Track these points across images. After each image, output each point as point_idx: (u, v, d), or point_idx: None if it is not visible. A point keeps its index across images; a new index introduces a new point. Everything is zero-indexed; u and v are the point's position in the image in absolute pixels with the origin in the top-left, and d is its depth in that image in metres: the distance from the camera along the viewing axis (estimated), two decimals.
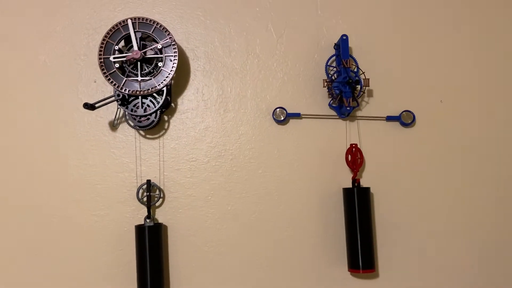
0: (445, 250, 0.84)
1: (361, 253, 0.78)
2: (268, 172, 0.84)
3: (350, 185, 0.82)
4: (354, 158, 0.82)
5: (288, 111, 0.84)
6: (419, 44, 0.87)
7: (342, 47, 0.81)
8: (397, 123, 0.85)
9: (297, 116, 0.84)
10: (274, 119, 0.84)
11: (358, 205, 0.79)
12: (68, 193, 0.82)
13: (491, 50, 0.88)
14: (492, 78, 0.88)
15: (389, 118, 0.85)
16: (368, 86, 0.82)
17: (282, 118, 0.83)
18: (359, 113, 0.85)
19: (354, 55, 0.85)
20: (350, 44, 0.84)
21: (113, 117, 0.83)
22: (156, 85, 0.78)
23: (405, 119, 0.84)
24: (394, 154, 0.85)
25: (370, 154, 0.85)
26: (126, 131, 0.83)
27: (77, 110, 0.83)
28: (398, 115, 0.84)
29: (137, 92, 0.78)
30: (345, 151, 0.83)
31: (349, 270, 0.79)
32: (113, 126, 0.84)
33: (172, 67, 0.78)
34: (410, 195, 0.85)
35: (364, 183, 0.84)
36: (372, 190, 0.84)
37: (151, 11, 0.86)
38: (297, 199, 0.84)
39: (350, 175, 0.83)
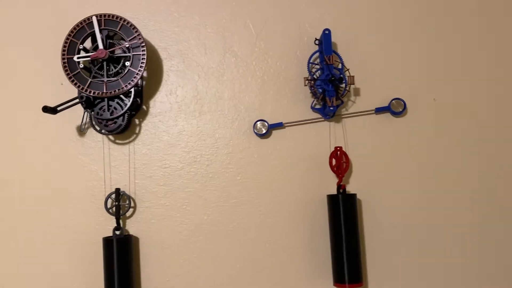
0: (442, 261, 0.77)
1: (347, 266, 0.72)
2: (248, 178, 0.78)
3: (335, 192, 0.75)
4: (339, 162, 0.75)
5: (269, 113, 0.78)
6: (408, 37, 0.81)
7: (324, 42, 0.75)
8: (387, 115, 0.78)
9: (279, 126, 0.78)
10: (255, 133, 0.77)
11: (343, 213, 0.73)
12: (33, 202, 0.77)
13: (485, 40, 0.81)
14: (485, 66, 0.81)
15: (378, 110, 0.78)
16: (353, 84, 0.75)
17: (264, 132, 0.77)
18: (344, 111, 0.79)
19: (339, 51, 0.79)
20: (335, 40, 0.79)
21: (81, 121, 0.77)
22: (123, 86, 0.73)
23: (395, 108, 0.77)
24: (384, 153, 0.78)
25: (358, 155, 0.78)
26: (95, 136, 0.78)
27: (43, 115, 0.77)
28: (387, 104, 0.78)
29: (102, 94, 0.72)
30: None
31: (334, 285, 0.73)
32: (81, 131, 0.78)
33: (140, 66, 0.73)
34: (402, 201, 0.78)
35: (352, 189, 0.78)
36: (360, 197, 0.77)
37: (122, 8, 0.81)
38: (279, 208, 0.78)
39: (337, 181, 0.77)
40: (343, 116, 0.79)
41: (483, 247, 0.77)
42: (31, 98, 0.78)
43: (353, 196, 0.74)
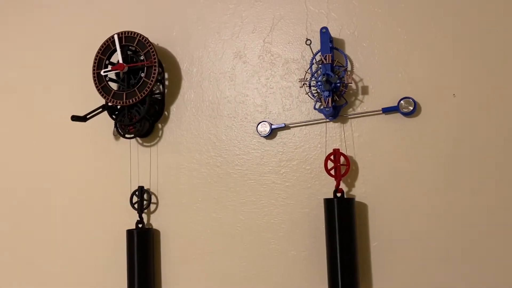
0: (453, 271, 0.69)
1: (341, 274, 0.69)
2: (253, 179, 0.80)
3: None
4: (336, 165, 0.72)
5: (275, 115, 0.79)
6: (423, 28, 0.73)
7: (321, 41, 0.73)
8: (397, 116, 0.73)
9: (281, 127, 0.78)
10: (258, 134, 0.79)
11: (338, 218, 0.70)
12: (67, 200, 0.90)
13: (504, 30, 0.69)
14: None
15: (386, 110, 0.73)
16: (351, 83, 0.72)
17: (267, 133, 0.78)
18: (351, 111, 0.75)
19: (348, 47, 0.76)
20: (342, 37, 0.75)
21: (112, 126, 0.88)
22: (138, 95, 0.81)
23: (404, 108, 0.71)
24: (395, 156, 0.73)
25: (367, 158, 0.74)
26: (123, 139, 0.88)
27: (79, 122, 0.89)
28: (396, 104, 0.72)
29: (120, 103, 0.82)
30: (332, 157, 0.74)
31: None
32: (114, 135, 0.89)
33: (152, 77, 0.80)
34: (413, 207, 0.71)
35: (357, 193, 0.74)
36: (368, 201, 0.73)
37: (146, 20, 0.88)
38: (283, 209, 0.78)
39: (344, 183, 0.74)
40: (349, 116, 0.75)
41: (500, 257, 0.67)
42: (74, 109, 0.91)
43: (351, 200, 0.71)
